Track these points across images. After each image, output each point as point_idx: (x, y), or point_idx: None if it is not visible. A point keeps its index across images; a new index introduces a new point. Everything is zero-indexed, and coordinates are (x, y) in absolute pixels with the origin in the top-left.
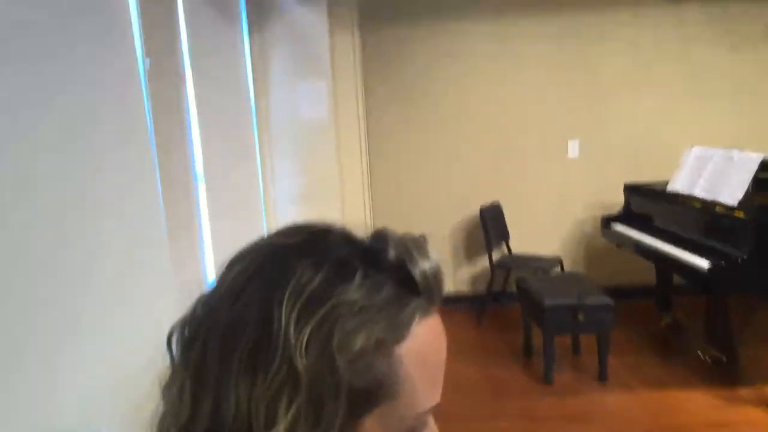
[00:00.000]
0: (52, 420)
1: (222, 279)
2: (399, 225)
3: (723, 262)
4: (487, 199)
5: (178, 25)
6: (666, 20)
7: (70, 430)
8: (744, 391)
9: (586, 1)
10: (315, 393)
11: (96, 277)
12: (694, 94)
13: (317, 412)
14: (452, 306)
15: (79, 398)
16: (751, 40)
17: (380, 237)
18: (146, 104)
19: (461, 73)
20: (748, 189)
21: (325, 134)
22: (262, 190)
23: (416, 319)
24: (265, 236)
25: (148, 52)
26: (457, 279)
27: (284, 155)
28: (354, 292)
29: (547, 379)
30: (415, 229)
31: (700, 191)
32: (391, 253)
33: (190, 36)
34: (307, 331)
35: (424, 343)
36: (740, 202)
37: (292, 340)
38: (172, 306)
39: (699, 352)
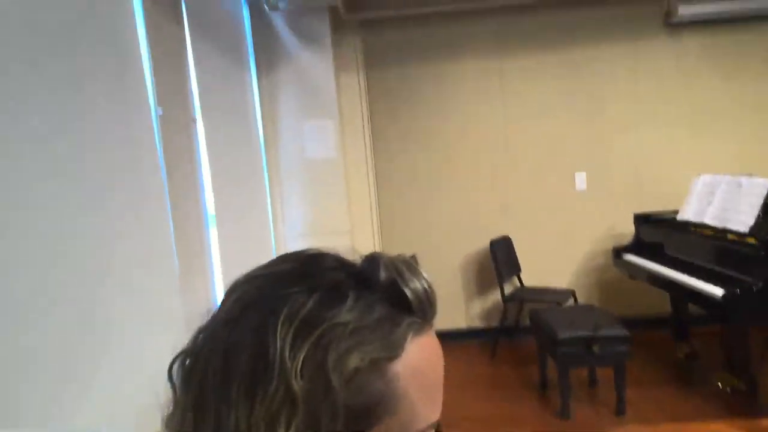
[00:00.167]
0: None
1: (219, 309)
2: None
3: (737, 289)
4: (496, 232)
5: (189, 74)
6: (665, 52)
7: None
8: (766, 422)
9: (584, 36)
10: (312, 413)
11: (112, 318)
12: (696, 124)
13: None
14: (465, 340)
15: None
16: (748, 69)
17: (371, 259)
18: (159, 150)
19: (466, 109)
20: (758, 215)
21: (333, 171)
22: (272, 227)
23: (410, 337)
24: (260, 266)
25: (160, 100)
26: (469, 313)
27: (294, 193)
28: (347, 313)
29: (563, 414)
30: (426, 265)
31: (710, 219)
32: (383, 274)
33: (200, 83)
34: (302, 354)
35: (419, 360)
36: (751, 228)
37: (288, 364)
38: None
39: (718, 382)
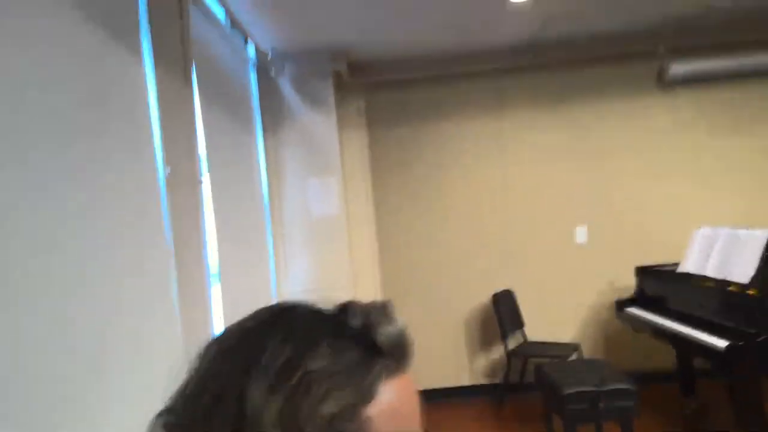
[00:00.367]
0: None
1: (196, 366)
2: (411, 315)
3: (741, 341)
4: (499, 286)
5: (197, 134)
6: (660, 108)
7: None
8: None
9: (581, 94)
10: None
11: (112, 376)
12: (694, 177)
13: None
14: (471, 398)
15: None
16: (741, 124)
17: (345, 307)
18: (165, 209)
19: (466, 165)
20: (758, 266)
21: (336, 227)
22: (275, 283)
23: (382, 380)
24: (234, 322)
25: (168, 160)
26: (473, 369)
27: (297, 250)
28: (320, 361)
29: None
30: (429, 320)
31: (711, 271)
32: (355, 321)
33: (207, 143)
34: (277, 404)
35: (393, 402)
36: (752, 280)
37: (264, 416)
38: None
39: None
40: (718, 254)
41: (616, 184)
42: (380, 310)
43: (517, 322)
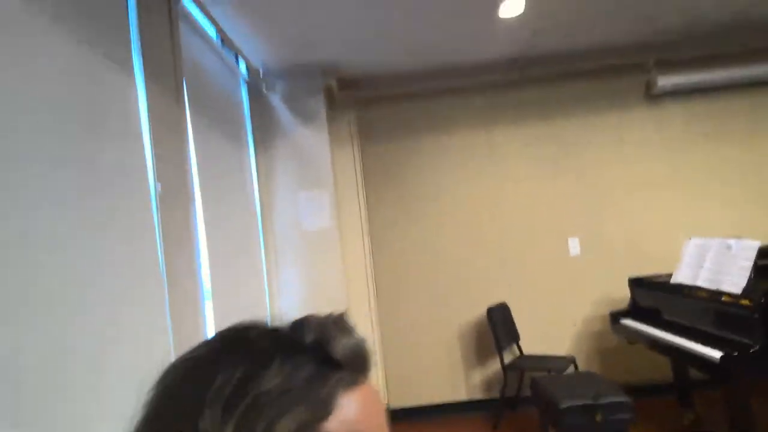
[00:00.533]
0: None
1: (150, 396)
2: (405, 330)
3: (735, 351)
4: (493, 300)
5: (188, 152)
6: (648, 121)
7: None
8: None
9: (570, 108)
10: None
11: (105, 394)
12: (683, 188)
13: None
14: (468, 413)
15: None
16: (728, 134)
17: (298, 323)
18: (157, 226)
19: (458, 179)
20: (750, 276)
21: (329, 241)
22: (267, 298)
23: (339, 393)
24: (187, 350)
25: (159, 177)
26: (469, 384)
27: (289, 264)
28: (272, 379)
29: None
30: (424, 334)
31: (703, 281)
32: (310, 336)
33: (199, 160)
34: (231, 428)
35: (353, 414)
36: (744, 290)
37: None
38: None
39: None
40: (710, 265)
41: (606, 196)
42: (335, 323)
43: (513, 336)
